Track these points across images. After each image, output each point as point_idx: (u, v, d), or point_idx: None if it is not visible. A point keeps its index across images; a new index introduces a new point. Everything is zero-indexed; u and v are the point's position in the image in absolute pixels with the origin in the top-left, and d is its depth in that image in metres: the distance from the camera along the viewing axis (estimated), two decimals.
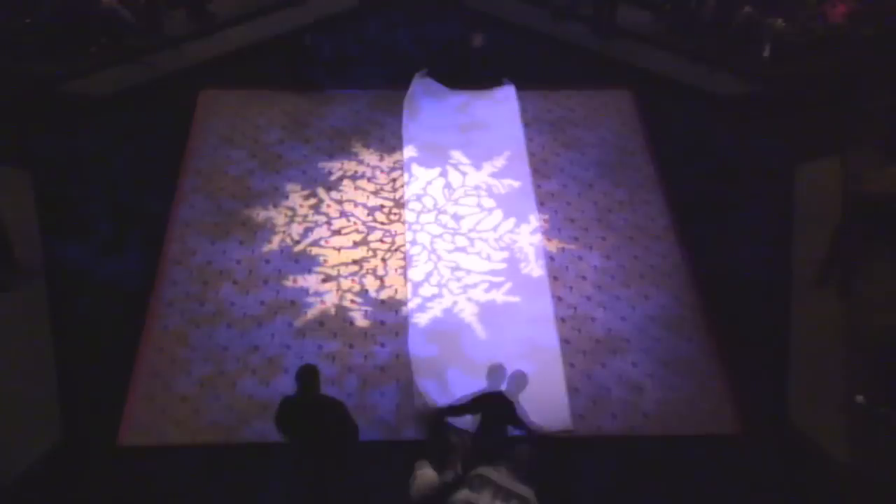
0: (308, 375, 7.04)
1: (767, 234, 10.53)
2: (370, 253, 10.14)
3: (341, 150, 11.43)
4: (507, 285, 9.76)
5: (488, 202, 10.72)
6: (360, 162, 11.30)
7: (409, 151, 11.34)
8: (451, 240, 10.26)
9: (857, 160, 10.78)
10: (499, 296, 9.66)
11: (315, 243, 10.23)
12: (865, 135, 11.18)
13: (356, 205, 10.69)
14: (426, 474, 6.91)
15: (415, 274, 9.87)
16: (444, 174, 11.06)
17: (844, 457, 8.20)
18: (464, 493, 7.20)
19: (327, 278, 9.85)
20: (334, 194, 10.84)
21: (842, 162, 11.04)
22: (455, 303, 9.57)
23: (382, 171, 11.16)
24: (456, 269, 9.93)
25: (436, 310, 9.49)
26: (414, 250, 10.13)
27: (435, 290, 9.69)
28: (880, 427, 8.26)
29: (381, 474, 8.06)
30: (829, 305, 9.52)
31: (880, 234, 9.63)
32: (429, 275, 9.87)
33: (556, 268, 10.04)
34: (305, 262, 10.01)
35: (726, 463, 8.32)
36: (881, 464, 8.05)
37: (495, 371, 8.57)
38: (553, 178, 11.17)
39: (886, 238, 9.64)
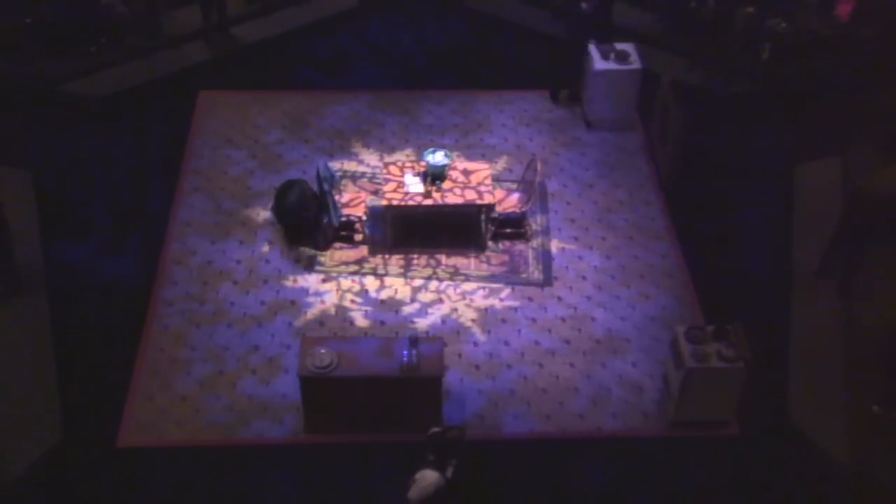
0: None
1: (767, 233, 10.53)
2: (370, 252, 10.14)
3: (341, 150, 11.42)
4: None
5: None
6: (361, 162, 11.30)
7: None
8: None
9: (857, 160, 10.77)
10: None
11: None
12: (865, 135, 11.18)
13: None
14: (427, 475, 6.85)
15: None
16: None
17: (844, 457, 8.20)
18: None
19: (327, 278, 9.84)
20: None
21: (842, 162, 11.04)
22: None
23: (382, 171, 11.14)
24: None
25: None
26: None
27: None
28: (891, 431, 8.21)
29: (381, 474, 8.06)
30: (829, 305, 9.52)
31: (880, 234, 9.62)
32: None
33: (556, 268, 10.03)
34: (305, 262, 10.01)
35: (726, 463, 8.31)
36: (881, 464, 8.04)
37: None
38: (553, 178, 11.16)
39: (887, 238, 9.62)
